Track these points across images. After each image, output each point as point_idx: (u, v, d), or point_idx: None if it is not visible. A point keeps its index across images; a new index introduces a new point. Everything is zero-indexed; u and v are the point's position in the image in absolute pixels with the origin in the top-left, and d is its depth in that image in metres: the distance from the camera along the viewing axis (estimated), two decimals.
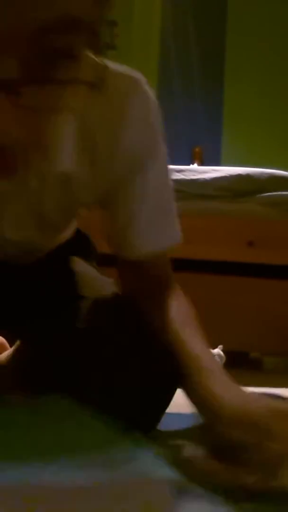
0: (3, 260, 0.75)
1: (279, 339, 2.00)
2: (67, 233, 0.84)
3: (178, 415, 0.81)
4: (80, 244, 0.88)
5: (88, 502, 0.45)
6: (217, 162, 3.06)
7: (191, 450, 0.55)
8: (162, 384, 0.69)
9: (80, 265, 0.85)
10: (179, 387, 0.68)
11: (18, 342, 0.85)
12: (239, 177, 1.99)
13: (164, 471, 0.52)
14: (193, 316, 0.73)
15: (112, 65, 0.60)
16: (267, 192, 2.00)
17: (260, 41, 3.23)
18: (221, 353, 1.44)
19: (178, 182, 1.91)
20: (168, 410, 0.75)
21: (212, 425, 0.58)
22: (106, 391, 0.66)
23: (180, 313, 0.72)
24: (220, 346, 1.45)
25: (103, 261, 0.87)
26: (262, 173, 2.01)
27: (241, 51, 3.27)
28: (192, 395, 0.63)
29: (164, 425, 0.77)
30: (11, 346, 0.92)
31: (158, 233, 0.72)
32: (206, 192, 1.98)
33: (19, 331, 0.83)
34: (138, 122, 0.64)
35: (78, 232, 0.88)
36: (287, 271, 2.01)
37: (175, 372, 0.66)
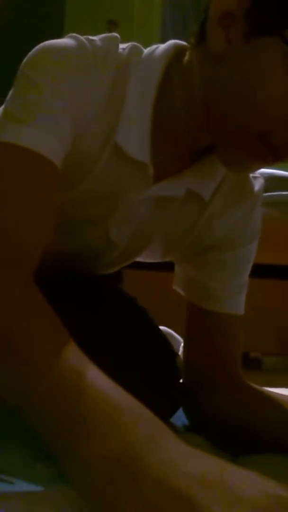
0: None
1: (279, 339, 2.00)
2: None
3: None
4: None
5: None
6: None
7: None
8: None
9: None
10: None
11: None
12: None
13: None
14: None
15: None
16: (267, 192, 1.99)
17: None
18: None
19: None
20: None
21: None
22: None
23: None
24: None
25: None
26: (262, 173, 2.00)
27: None
28: None
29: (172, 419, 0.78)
30: None
31: (239, 298, 0.83)
32: None
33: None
34: (258, 214, 0.85)
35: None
36: (287, 271, 2.01)
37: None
